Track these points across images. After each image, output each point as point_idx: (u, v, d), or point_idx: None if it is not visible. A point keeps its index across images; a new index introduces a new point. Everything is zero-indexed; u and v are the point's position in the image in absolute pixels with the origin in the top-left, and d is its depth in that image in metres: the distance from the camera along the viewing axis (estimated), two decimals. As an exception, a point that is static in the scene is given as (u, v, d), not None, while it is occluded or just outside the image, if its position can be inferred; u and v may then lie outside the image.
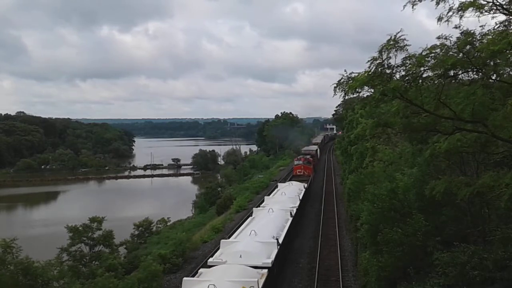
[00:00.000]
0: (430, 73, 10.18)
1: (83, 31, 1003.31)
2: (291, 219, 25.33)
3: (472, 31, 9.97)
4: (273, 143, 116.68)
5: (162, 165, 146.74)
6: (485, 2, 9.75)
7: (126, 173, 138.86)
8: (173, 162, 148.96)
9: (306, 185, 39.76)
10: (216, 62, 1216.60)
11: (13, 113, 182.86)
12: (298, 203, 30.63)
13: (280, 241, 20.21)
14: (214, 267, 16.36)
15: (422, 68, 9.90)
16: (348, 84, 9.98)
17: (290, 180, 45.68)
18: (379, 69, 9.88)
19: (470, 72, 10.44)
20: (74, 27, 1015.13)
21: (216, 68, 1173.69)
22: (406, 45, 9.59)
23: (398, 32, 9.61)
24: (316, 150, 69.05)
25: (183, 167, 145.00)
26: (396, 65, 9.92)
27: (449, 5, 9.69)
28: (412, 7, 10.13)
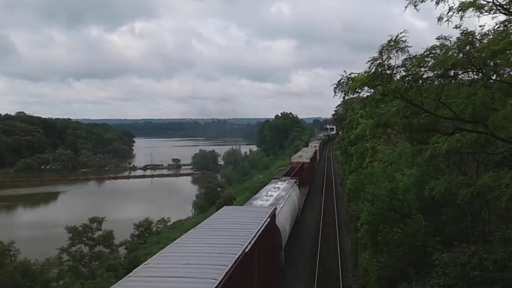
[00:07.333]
0: (430, 74, 10.18)
1: (70, 31, 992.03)
2: None
3: (472, 31, 9.98)
4: (273, 143, 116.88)
5: (162, 165, 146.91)
6: (485, 2, 9.74)
7: (126, 174, 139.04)
8: (173, 163, 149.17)
9: None
10: (207, 62, 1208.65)
11: (11, 113, 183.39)
12: None
13: None
14: None
15: (422, 69, 9.90)
16: (348, 84, 9.97)
17: None
18: (379, 70, 9.87)
19: (470, 72, 10.45)
20: (61, 27, 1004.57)
21: (208, 68, 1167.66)
22: (406, 46, 9.58)
23: (400, 33, 9.60)
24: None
25: (183, 167, 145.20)
26: (396, 66, 9.91)
27: (449, 4, 9.69)
28: (415, 7, 10.11)
